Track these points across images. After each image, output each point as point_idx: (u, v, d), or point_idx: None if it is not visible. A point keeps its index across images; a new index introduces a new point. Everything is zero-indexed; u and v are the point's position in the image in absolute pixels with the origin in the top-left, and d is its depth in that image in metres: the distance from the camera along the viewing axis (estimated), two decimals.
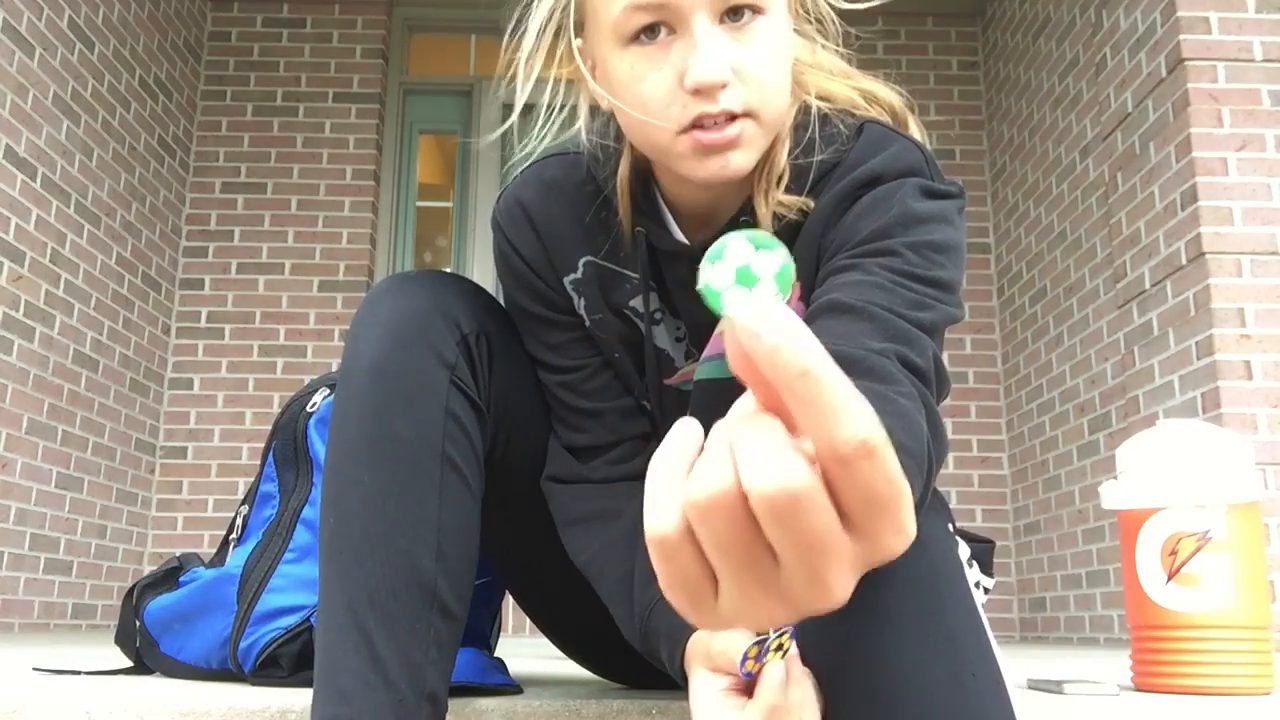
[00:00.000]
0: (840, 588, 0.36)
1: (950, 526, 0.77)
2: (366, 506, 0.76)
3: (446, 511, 0.77)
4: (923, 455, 0.59)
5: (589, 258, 0.89)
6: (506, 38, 0.82)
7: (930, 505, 0.67)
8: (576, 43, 0.82)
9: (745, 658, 0.62)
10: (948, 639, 0.62)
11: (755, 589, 0.37)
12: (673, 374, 0.91)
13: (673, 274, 0.88)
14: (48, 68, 3.01)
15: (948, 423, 3.83)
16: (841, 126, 0.83)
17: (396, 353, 0.79)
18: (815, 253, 0.80)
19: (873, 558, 0.36)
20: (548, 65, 0.83)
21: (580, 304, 0.90)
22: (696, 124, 0.73)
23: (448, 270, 0.87)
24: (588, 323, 0.90)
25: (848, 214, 0.78)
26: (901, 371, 0.64)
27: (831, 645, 0.63)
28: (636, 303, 0.89)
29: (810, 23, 0.87)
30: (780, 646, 0.62)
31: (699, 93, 0.72)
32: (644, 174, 0.86)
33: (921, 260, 0.73)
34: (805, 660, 0.64)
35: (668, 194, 0.86)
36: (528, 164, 0.93)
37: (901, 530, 0.36)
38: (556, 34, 0.82)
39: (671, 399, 0.92)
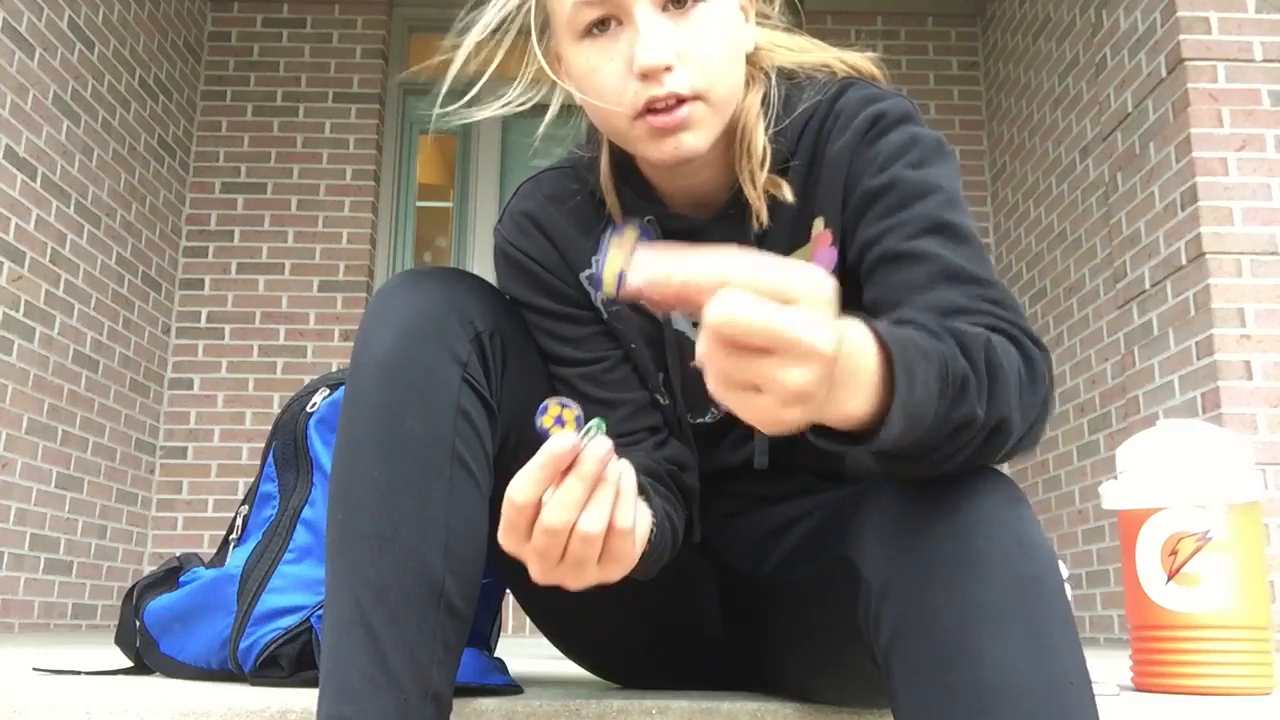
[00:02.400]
0: (783, 412, 0.53)
1: None
2: (375, 503, 0.75)
3: (455, 510, 0.77)
4: (914, 352, 0.61)
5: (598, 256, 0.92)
6: (476, 34, 0.86)
7: (1036, 519, 0.70)
8: (543, 43, 0.86)
9: (544, 410, 0.64)
10: (1050, 646, 0.63)
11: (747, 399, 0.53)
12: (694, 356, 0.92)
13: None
14: (48, 68, 3.01)
15: None
16: (820, 78, 0.88)
17: (409, 349, 0.79)
18: (841, 193, 0.84)
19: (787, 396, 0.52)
20: (518, 64, 0.88)
21: (598, 297, 0.93)
22: (649, 108, 0.78)
23: (460, 267, 0.87)
24: (605, 315, 0.93)
25: (871, 155, 0.83)
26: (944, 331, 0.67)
27: (938, 637, 0.64)
28: None
29: (768, 13, 0.91)
30: (589, 431, 0.64)
31: (646, 77, 0.77)
32: (633, 167, 0.90)
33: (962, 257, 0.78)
34: (903, 646, 0.66)
35: (654, 184, 0.90)
36: (523, 181, 0.98)
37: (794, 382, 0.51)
38: (523, 34, 0.86)
39: (691, 383, 0.93)
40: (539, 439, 0.91)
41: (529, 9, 0.85)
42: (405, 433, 0.77)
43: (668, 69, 0.77)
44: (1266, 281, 2.49)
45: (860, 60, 0.90)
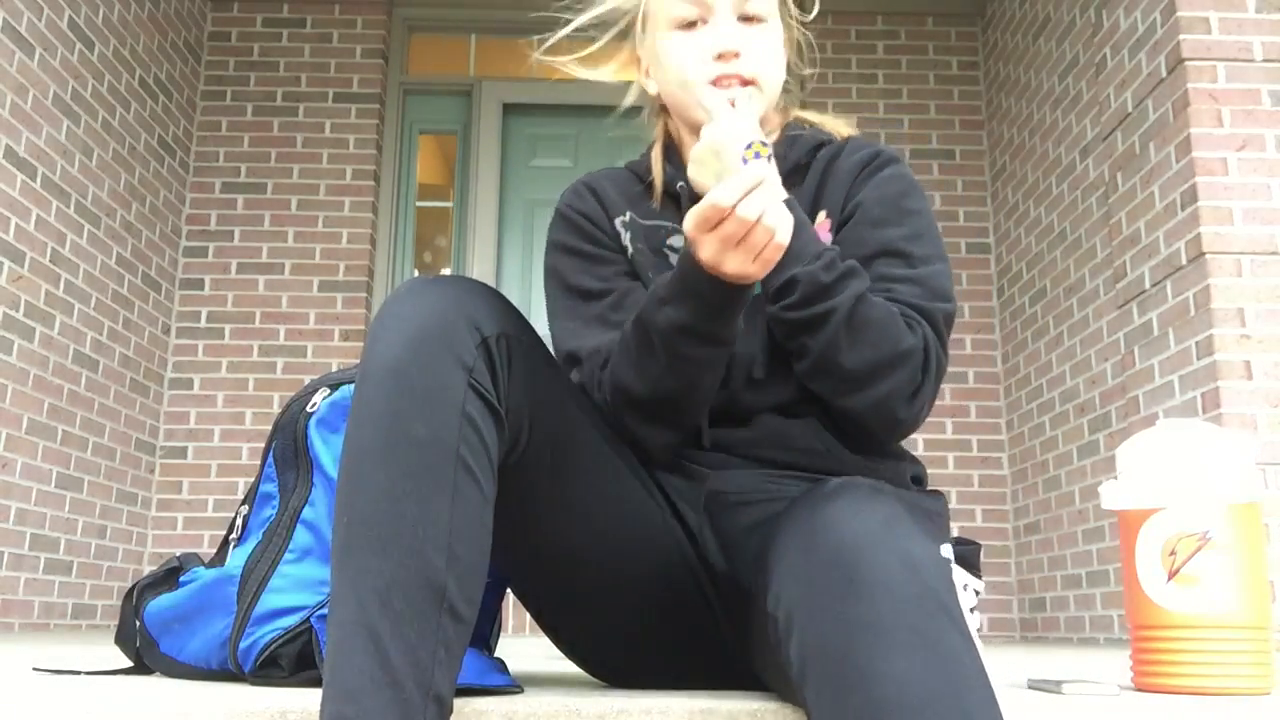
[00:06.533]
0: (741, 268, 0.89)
1: (948, 546, 0.86)
2: (380, 506, 0.77)
3: (459, 514, 0.78)
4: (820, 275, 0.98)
5: (632, 214, 1.16)
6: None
7: (926, 532, 0.77)
8: (637, 49, 1.16)
9: (749, 146, 0.97)
10: (944, 656, 0.67)
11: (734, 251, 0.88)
12: None
13: None
14: (48, 68, 3.01)
15: (947, 422, 3.83)
16: (827, 132, 1.18)
17: (416, 354, 0.81)
18: (843, 200, 1.11)
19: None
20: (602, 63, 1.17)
21: (627, 237, 1.15)
22: (714, 82, 1.06)
23: (464, 274, 0.91)
24: (631, 252, 1.14)
25: (867, 181, 1.11)
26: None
27: (836, 661, 0.68)
28: (674, 240, 1.14)
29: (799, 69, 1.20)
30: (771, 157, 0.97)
31: (721, 57, 1.06)
32: (677, 150, 1.17)
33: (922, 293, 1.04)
34: (811, 673, 0.71)
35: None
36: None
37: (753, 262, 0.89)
38: (623, 35, 1.17)
39: None
40: (545, 442, 0.92)
41: (638, 12, 1.14)
42: (411, 438, 0.78)
43: (736, 55, 1.06)
44: (1266, 281, 2.49)
45: (846, 124, 1.19)
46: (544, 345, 0.93)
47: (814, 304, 0.97)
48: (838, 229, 1.10)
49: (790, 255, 0.96)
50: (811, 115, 1.21)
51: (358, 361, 0.88)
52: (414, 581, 0.75)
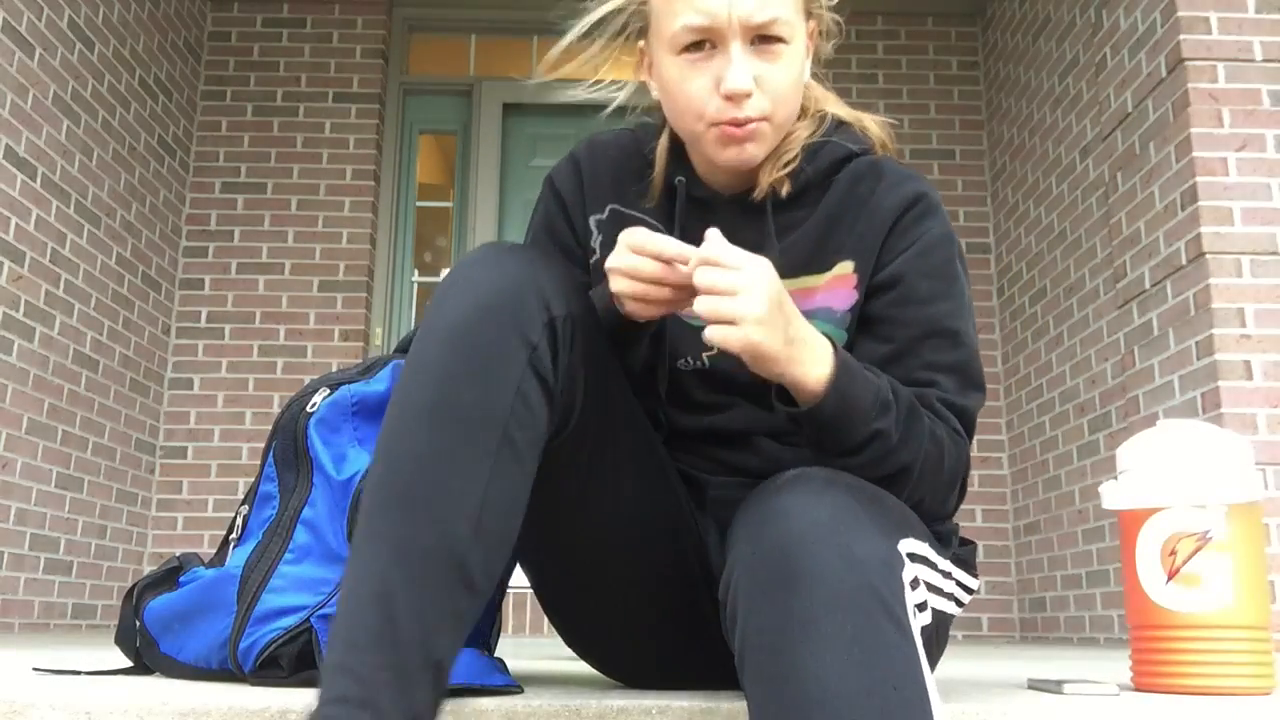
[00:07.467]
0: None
1: (910, 540, 0.83)
2: (415, 466, 0.76)
3: (495, 488, 0.77)
4: (867, 393, 0.87)
5: (615, 205, 1.08)
6: (575, 37, 1.03)
7: (880, 527, 0.76)
8: (640, 44, 1.03)
9: None
10: (872, 655, 0.67)
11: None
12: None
13: (697, 223, 1.00)
14: (48, 68, 3.01)
15: None
16: (861, 136, 1.04)
17: (481, 322, 0.80)
18: (877, 253, 1.00)
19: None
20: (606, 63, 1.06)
21: (596, 239, 1.08)
22: (719, 127, 0.95)
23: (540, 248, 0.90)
24: (595, 257, 1.07)
25: (907, 237, 0.99)
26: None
27: (767, 652, 0.69)
28: None
29: (819, 63, 1.06)
30: None
31: (729, 98, 0.94)
32: (682, 147, 1.06)
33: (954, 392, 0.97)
34: (748, 661, 0.71)
35: (698, 165, 1.05)
36: (589, 135, 1.14)
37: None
38: (624, 36, 1.03)
39: (676, 328, 1.03)
40: (590, 426, 0.93)
41: (631, 12, 1.01)
42: (460, 403, 0.78)
43: (748, 94, 0.93)
44: (1266, 281, 2.49)
45: (878, 129, 1.06)
46: (601, 328, 0.92)
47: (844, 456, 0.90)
48: (868, 292, 1.00)
49: (839, 430, 0.87)
50: (844, 112, 1.06)
51: (358, 361, 0.88)
52: (435, 547, 0.74)
